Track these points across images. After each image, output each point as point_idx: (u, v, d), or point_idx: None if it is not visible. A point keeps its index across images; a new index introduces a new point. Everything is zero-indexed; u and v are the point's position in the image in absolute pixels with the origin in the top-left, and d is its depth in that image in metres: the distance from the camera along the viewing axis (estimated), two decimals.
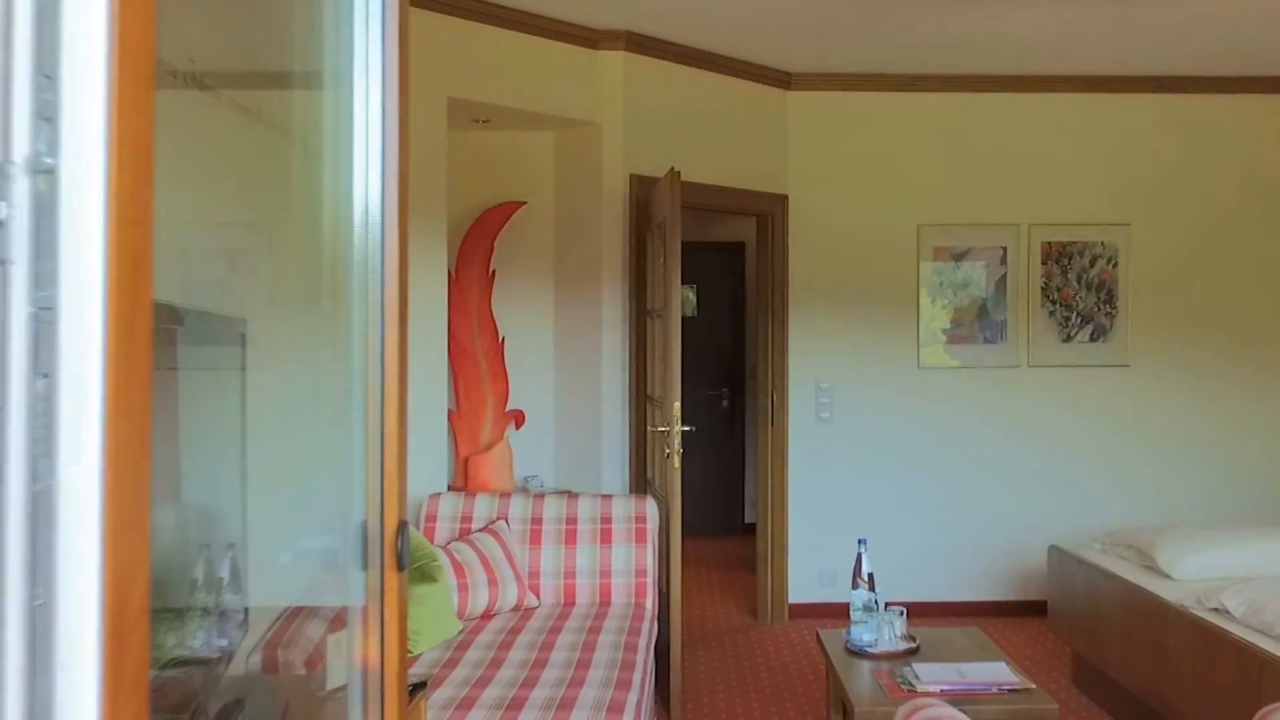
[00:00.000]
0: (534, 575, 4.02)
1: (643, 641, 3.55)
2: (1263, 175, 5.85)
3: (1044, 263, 5.85)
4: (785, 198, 5.81)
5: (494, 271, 5.14)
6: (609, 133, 5.07)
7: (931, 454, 5.85)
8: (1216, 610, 3.41)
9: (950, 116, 5.84)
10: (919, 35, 5.07)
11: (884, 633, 3.44)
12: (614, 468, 5.02)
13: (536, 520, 4.12)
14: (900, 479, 5.85)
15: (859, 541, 3.51)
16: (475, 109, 4.80)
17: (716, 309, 8.24)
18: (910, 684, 3.07)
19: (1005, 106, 5.84)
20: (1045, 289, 5.85)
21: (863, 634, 3.46)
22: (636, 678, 3.16)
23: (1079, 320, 5.85)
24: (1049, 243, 5.85)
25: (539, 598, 4.00)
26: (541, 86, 4.86)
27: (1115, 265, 5.85)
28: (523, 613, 3.84)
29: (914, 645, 3.48)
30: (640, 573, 4.08)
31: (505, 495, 4.22)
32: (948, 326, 5.83)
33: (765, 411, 5.83)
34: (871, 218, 5.85)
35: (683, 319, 8.05)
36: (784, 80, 5.77)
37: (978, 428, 5.86)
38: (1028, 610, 5.84)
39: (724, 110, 5.55)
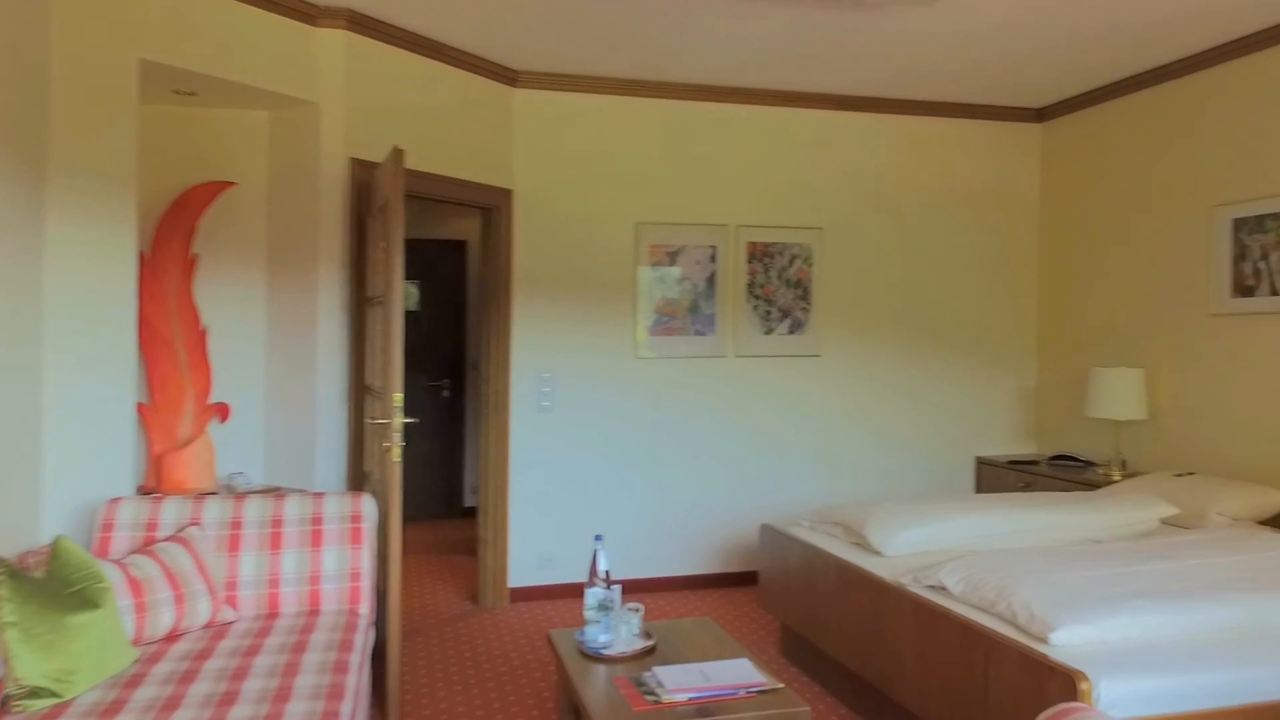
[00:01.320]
0: (231, 586, 3.18)
1: (355, 657, 2.83)
2: (939, 187, 5.85)
3: (749, 261, 5.57)
4: (510, 192, 5.20)
5: (196, 256, 4.21)
6: (328, 114, 4.27)
7: (649, 438, 5.44)
8: (934, 588, 3.13)
9: (668, 121, 5.45)
10: (638, 42, 4.62)
11: (620, 632, 2.90)
12: (330, 462, 4.23)
13: (236, 524, 3.28)
14: (620, 462, 5.40)
15: (595, 538, 2.97)
16: (176, 77, 3.86)
17: (439, 304, 7.54)
18: (654, 693, 2.54)
19: (717, 115, 5.51)
20: (750, 286, 5.57)
21: (598, 634, 2.91)
22: (345, 709, 2.44)
23: (779, 314, 5.62)
24: (754, 243, 5.57)
25: (237, 610, 3.17)
26: (254, 60, 3.99)
27: (810, 265, 5.66)
28: (216, 630, 3.00)
29: (651, 644, 2.95)
30: (355, 576, 3.33)
31: (201, 497, 3.34)
32: (662, 319, 5.43)
33: (487, 401, 5.20)
34: (593, 215, 5.36)
35: (406, 313, 7.33)
36: (510, 77, 5.15)
37: (691, 413, 5.51)
38: (739, 581, 5.59)
39: (451, 102, 4.86)
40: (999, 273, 5.97)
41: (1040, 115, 5.93)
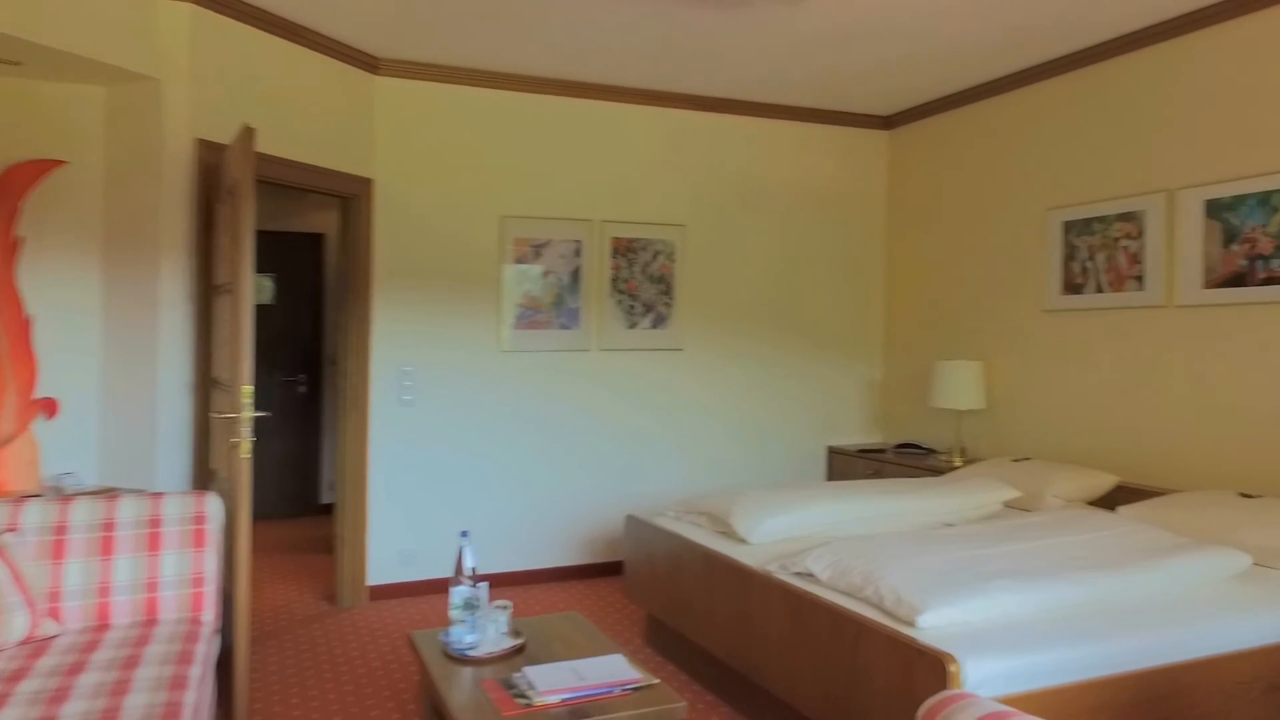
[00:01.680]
0: (55, 597, 2.79)
1: (195, 670, 2.51)
2: (796, 188, 5.84)
3: (614, 256, 5.42)
4: (370, 181, 4.87)
5: (21, 239, 3.73)
6: (172, 92, 3.86)
7: (514, 431, 5.22)
8: (801, 575, 3.03)
9: (533, 116, 5.23)
10: (501, 34, 4.39)
11: (488, 631, 2.67)
12: (173, 461, 3.83)
13: (61, 528, 2.88)
14: (484, 456, 5.15)
15: (461, 534, 2.72)
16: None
17: (295, 298, 7.07)
18: (525, 695, 2.33)
19: (582, 111, 5.33)
20: (614, 280, 5.42)
21: (464, 634, 2.67)
22: None
23: (643, 309, 5.49)
24: (618, 238, 5.42)
25: (61, 623, 2.79)
26: (87, 29, 3.55)
27: (673, 261, 5.55)
28: (34, 647, 2.61)
29: (520, 642, 2.74)
30: (198, 581, 2.99)
31: (21, 500, 2.93)
32: (527, 313, 5.21)
33: (346, 396, 4.86)
34: (457, 207, 5.09)
35: (260, 307, 6.85)
36: (371, 64, 4.83)
37: (556, 407, 5.31)
38: (603, 572, 5.43)
39: (308, 86, 4.50)
40: (850, 271, 6.03)
41: (887, 123, 6.02)
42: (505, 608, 2.77)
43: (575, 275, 5.32)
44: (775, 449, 5.84)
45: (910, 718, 2.33)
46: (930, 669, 2.27)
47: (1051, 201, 4.82)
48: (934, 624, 2.49)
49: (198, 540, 3.02)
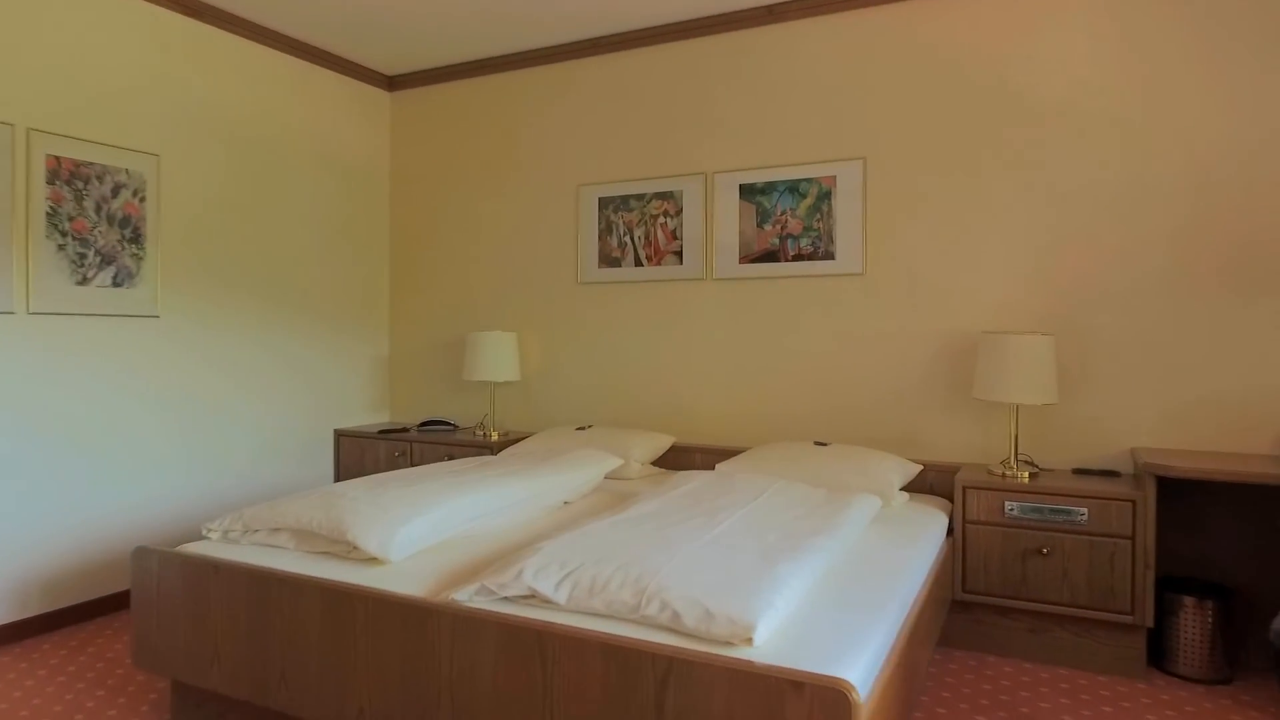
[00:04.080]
0: None
1: None
2: (295, 138, 4.19)
3: (51, 182, 3.21)
4: None
5: None
6: None
7: None
8: (516, 599, 1.79)
9: None
10: None
11: None
12: None
13: None
14: None
15: None
16: None
17: None
18: None
19: None
20: (53, 216, 3.21)
21: None
22: None
23: (99, 260, 3.37)
24: (58, 158, 3.22)
25: None
26: None
27: (144, 200, 3.52)
28: None
29: None
30: None
31: None
32: None
33: None
34: None
35: None
36: None
37: None
38: (59, 621, 3.17)
39: None
40: (354, 239, 4.58)
41: (391, 84, 4.73)
42: None
43: None
44: (280, 437, 4.14)
45: None
46: (818, 705, 1.34)
47: (585, 178, 4.16)
48: (765, 638, 1.58)
49: None
